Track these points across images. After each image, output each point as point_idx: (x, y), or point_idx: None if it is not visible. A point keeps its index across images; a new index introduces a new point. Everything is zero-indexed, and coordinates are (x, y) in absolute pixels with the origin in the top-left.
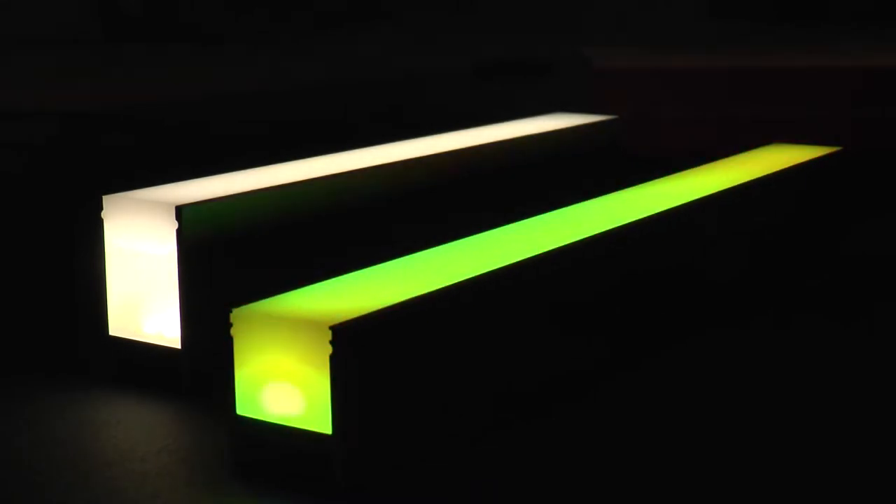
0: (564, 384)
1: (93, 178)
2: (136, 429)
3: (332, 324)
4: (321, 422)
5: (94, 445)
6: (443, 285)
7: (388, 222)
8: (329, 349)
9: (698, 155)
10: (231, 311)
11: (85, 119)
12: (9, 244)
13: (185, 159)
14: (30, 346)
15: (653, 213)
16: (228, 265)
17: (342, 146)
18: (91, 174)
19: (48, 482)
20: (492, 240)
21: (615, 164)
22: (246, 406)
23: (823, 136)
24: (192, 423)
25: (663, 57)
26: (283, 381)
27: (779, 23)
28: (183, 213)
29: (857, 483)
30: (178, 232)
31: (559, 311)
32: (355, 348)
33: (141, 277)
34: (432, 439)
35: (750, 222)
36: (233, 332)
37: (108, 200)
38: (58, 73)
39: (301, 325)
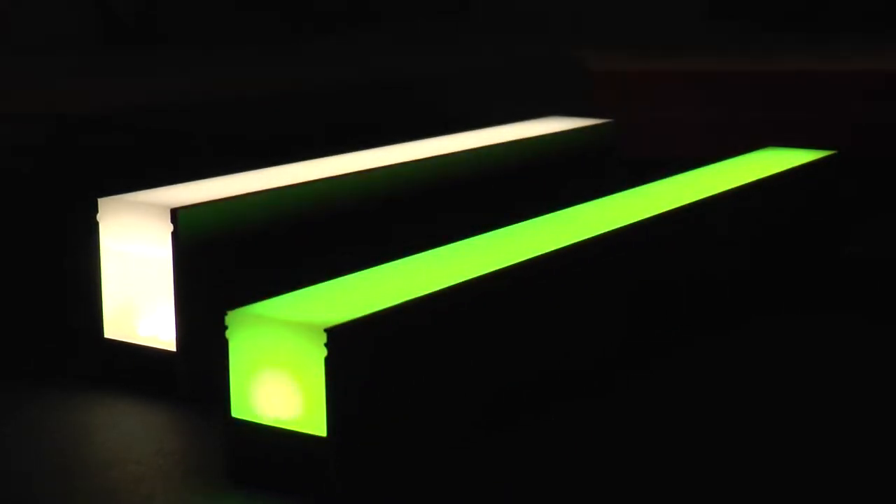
0: (563, 385)
1: (87, 181)
2: (132, 431)
3: (327, 326)
4: (316, 424)
5: (90, 448)
6: (439, 288)
7: (383, 225)
8: (324, 352)
9: (694, 158)
10: (226, 314)
11: (80, 121)
12: (3, 246)
13: (181, 162)
14: (24, 349)
15: (648, 216)
16: (224, 267)
17: (337, 149)
18: (86, 176)
19: (43, 485)
20: (488, 242)
21: (611, 167)
22: (241, 408)
23: (819, 139)
24: (188, 425)
25: (660, 59)
26: (278, 383)
27: (777, 25)
28: (178, 215)
29: (857, 484)
30: (174, 234)
31: (557, 314)
32: (351, 351)
33: (136, 280)
34: (429, 441)
35: (746, 225)
36: (228, 334)
37: (103, 203)
38: (54, 76)
39: (296, 327)
